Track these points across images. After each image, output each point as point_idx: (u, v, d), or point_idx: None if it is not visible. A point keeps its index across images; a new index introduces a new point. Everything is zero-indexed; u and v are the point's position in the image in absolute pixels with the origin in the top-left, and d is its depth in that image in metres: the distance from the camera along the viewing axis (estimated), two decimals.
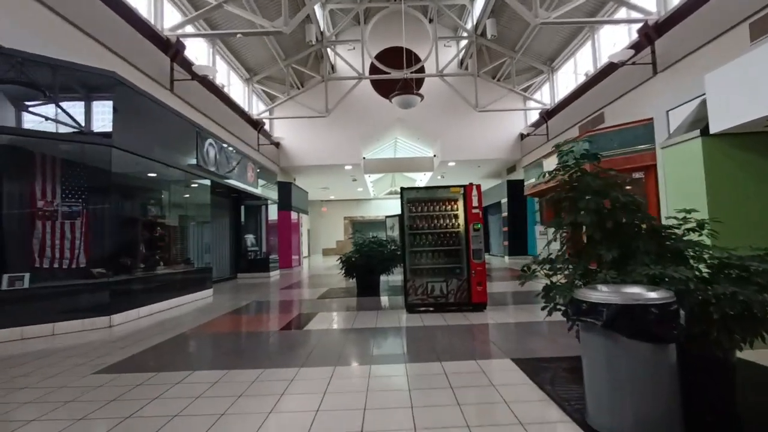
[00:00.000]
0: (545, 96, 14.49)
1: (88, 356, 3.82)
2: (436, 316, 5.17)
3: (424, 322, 4.86)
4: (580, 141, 9.38)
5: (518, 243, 16.30)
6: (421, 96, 10.86)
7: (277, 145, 16.24)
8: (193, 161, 7.74)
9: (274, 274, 12.66)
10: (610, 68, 9.87)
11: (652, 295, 1.92)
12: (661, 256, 2.38)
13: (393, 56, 15.22)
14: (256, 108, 14.72)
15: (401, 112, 16.54)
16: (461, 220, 5.55)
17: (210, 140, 8.40)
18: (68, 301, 5.06)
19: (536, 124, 14.23)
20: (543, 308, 2.77)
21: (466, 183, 5.63)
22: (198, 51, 10.46)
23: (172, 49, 8.26)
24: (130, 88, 5.81)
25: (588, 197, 2.62)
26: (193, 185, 8.23)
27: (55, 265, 5.59)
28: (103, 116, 5.28)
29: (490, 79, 14.27)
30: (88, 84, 5.39)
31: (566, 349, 3.53)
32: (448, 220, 5.63)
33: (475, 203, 5.46)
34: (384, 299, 6.92)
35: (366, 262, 7.41)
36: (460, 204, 5.57)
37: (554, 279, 2.94)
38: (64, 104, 5.12)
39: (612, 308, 1.91)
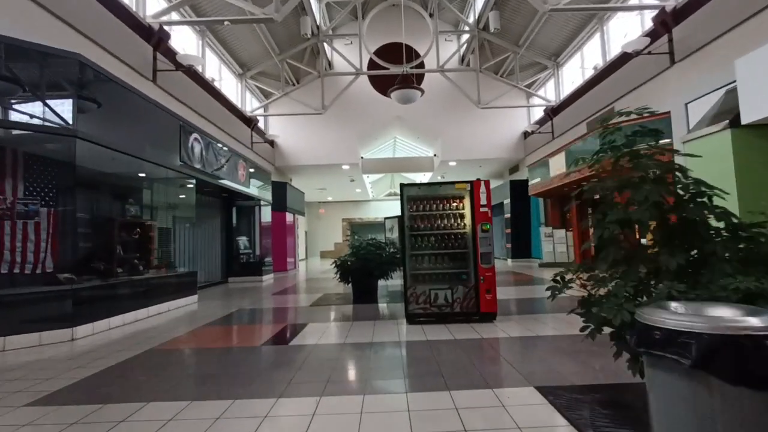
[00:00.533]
0: (550, 92, 13.95)
1: (32, 379, 3.24)
2: (440, 328, 4.59)
3: (427, 335, 4.28)
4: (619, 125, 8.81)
5: (522, 245, 15.73)
6: (422, 90, 10.30)
7: (272, 143, 15.67)
8: (176, 157, 7.16)
9: (268, 278, 12.06)
10: (621, 60, 9.32)
11: (759, 321, 1.35)
12: (747, 263, 1.81)
13: (392, 52, 14.69)
14: (250, 105, 14.16)
15: (400, 110, 15.99)
16: (468, 220, 4.97)
17: (195, 135, 7.82)
18: (24, 311, 4.47)
19: (541, 122, 13.68)
20: (583, 329, 2.19)
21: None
22: (187, 44, 9.89)
23: (155, 37, 7.70)
24: (98, 72, 5.23)
25: (646, 187, 2.03)
26: (177, 183, 7.65)
27: (15, 270, 5.02)
28: (65, 102, 4.70)
29: (492, 75, 13.73)
30: (47, 66, 4.81)
31: (601, 373, 2.95)
32: (453, 220, 5.05)
33: (483, 201, 4.89)
34: (382, 307, 6.33)
35: (363, 266, 6.82)
36: (467, 202, 5.00)
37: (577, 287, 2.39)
38: (19, 87, 4.55)
39: (704, 340, 1.33)
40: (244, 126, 12.90)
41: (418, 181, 24.15)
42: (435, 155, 17.05)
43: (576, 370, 3.06)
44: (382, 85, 15.85)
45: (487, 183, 4.96)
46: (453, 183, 5.04)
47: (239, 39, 12.16)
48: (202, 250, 10.76)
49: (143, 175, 6.73)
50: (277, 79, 14.10)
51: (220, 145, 9.11)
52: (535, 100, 14.59)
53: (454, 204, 5.06)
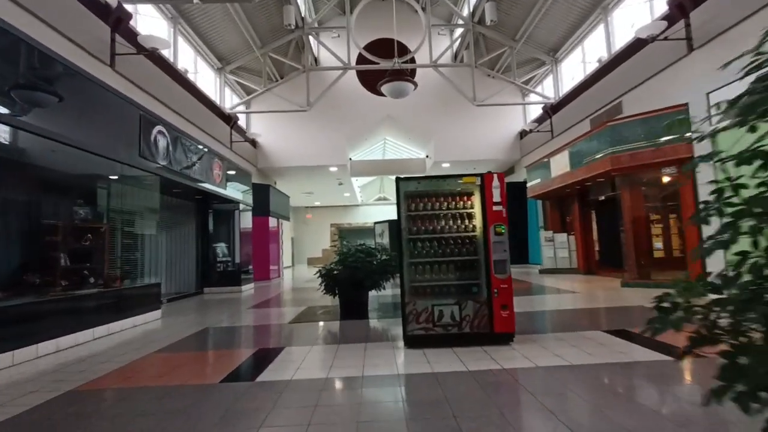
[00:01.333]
0: (548, 89, 13.29)
1: None
2: (447, 353, 3.72)
3: (433, 365, 3.40)
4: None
5: (519, 251, 14.97)
6: (415, 84, 9.51)
7: (254, 143, 14.71)
8: (135, 152, 6.19)
9: (248, 288, 11.06)
10: (631, 50, 8.65)
11: None
12: None
13: (380, 48, 13.92)
14: (231, 101, 13.21)
15: (391, 109, 15.21)
16: (478, 221, 4.13)
17: (160, 128, 6.86)
18: None
19: (539, 120, 13.00)
20: (717, 394, 1.33)
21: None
22: (157, 32, 8.93)
23: (113, 16, 6.76)
24: (22, 41, 4.28)
25: None
26: (138, 182, 6.66)
27: None
28: None
29: (488, 70, 13.04)
30: None
31: (682, 428, 2.11)
32: (459, 222, 4.20)
33: (496, 198, 4.06)
34: (374, 324, 5.44)
35: (351, 275, 5.93)
36: (476, 199, 4.15)
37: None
38: None
39: None
40: (222, 123, 11.94)
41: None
42: (427, 156, 16.27)
43: (645, 423, 2.20)
44: (372, 82, 15.06)
45: (501, 176, 4.13)
46: (459, 176, 4.18)
47: (217, 29, 11.25)
48: (173, 258, 9.74)
49: (95, 172, 5.76)
50: (259, 75, 13.19)
51: (190, 142, 8.15)
52: (533, 98, 13.94)
53: (461, 202, 4.21)
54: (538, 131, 12.93)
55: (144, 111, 6.46)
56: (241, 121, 13.73)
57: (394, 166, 18.30)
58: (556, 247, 12.08)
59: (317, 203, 26.48)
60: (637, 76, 8.58)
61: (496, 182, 4.08)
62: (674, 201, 8.25)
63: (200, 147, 8.54)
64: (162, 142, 6.89)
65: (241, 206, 11.40)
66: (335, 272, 6.10)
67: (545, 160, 11.66)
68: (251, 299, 8.94)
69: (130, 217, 6.63)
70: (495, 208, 4.04)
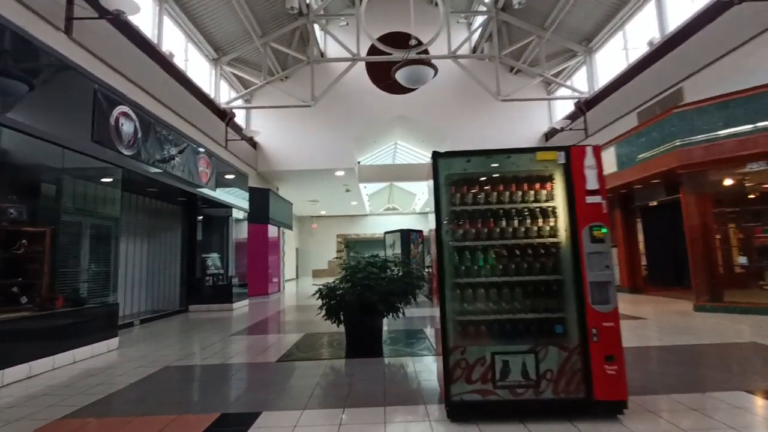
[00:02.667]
0: (579, 83, 11.87)
1: None
2: None
3: None
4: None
5: None
6: (435, 68, 8.14)
7: (254, 145, 13.43)
8: (85, 135, 4.85)
9: (241, 306, 9.62)
10: (697, 24, 7.23)
11: None
12: None
13: (393, 43, 12.67)
14: (228, 95, 11.96)
15: (403, 108, 13.90)
16: (561, 220, 2.68)
17: (124, 109, 5.53)
18: None
19: (572, 117, 11.55)
20: None
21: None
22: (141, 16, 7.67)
23: None
24: None
25: None
26: (91, 175, 5.31)
27: None
28: None
29: (513, 62, 11.68)
30: None
31: None
32: (532, 221, 2.75)
33: (591, 183, 2.60)
34: (392, 365, 3.96)
35: (360, 296, 4.48)
36: (558, 186, 2.70)
37: None
38: None
39: None
40: (216, 119, 10.67)
41: (418, 195, 21.87)
42: None
43: None
44: (383, 78, 13.81)
45: (597, 151, 2.67)
46: (532, 150, 2.73)
47: (211, 14, 10.04)
48: (153, 271, 8.36)
49: (33, 160, 4.42)
50: (259, 69, 11.95)
51: (169, 131, 6.81)
52: (563, 93, 12.52)
53: (535, 190, 2.76)
54: (570, 129, 11.48)
55: (101, 85, 5.13)
56: (240, 120, 12.48)
57: (405, 171, 16.92)
58: None
59: (323, 212, 25.16)
60: (707, 53, 7.14)
61: (590, 159, 2.62)
62: (762, 204, 6.71)
63: (182, 138, 7.20)
64: (127, 127, 5.54)
65: (236, 212, 10.04)
66: (340, 292, 4.66)
67: None
68: (242, 320, 7.49)
69: (83, 219, 5.25)
70: (590, 199, 2.58)
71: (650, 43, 8.66)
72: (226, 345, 5.24)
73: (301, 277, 25.56)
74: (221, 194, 9.05)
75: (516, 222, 2.72)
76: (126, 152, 5.51)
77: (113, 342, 5.12)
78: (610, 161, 8.86)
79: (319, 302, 4.74)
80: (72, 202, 4.96)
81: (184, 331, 6.40)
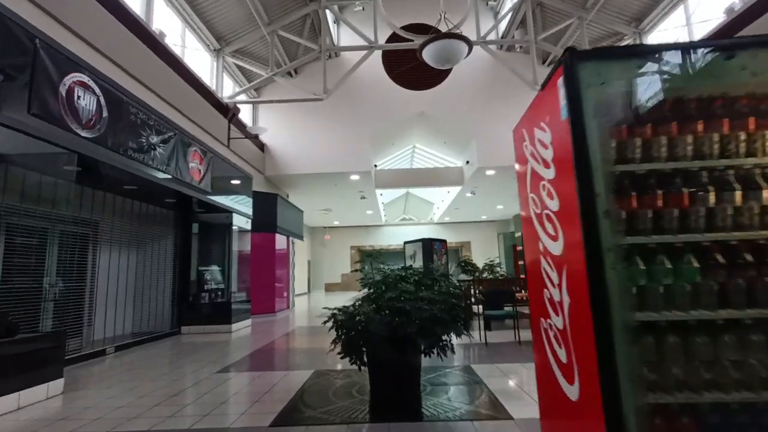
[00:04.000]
0: None
1: None
2: None
3: None
4: None
5: None
6: (469, 44, 6.81)
7: (262, 147, 12.27)
8: (19, 105, 3.62)
9: (241, 327, 8.29)
10: None
11: None
12: None
13: (415, 32, 11.47)
14: (232, 91, 10.84)
15: (423, 105, 12.61)
16: None
17: (81, 77, 4.30)
18: None
19: None
20: None
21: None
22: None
23: None
24: None
25: None
26: (35, 162, 4.08)
27: None
28: None
29: (550, 47, 10.30)
30: None
31: None
32: None
33: None
34: None
35: (391, 326, 3.07)
36: None
37: None
38: None
39: None
40: (217, 114, 9.50)
41: (437, 205, 20.44)
42: (467, 162, 13.48)
43: None
44: (402, 73, 12.58)
45: None
46: None
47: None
48: (139, 287, 7.09)
49: None
50: (265, 62, 10.83)
51: (149, 114, 5.59)
52: None
53: None
54: None
55: (46, 42, 3.92)
56: (246, 119, 11.34)
57: (425, 175, 15.56)
58: None
59: (336, 223, 23.90)
60: None
61: None
62: None
63: (167, 126, 5.97)
64: (87, 102, 4.31)
65: (239, 219, 8.77)
66: (359, 319, 3.26)
67: None
68: (239, 346, 6.13)
69: (23, 221, 4.00)
70: None
71: (729, 11, 7.21)
72: (208, 389, 3.86)
73: (313, 291, 24.21)
74: (220, 197, 7.80)
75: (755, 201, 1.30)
76: (84, 134, 4.26)
77: (56, 385, 3.79)
78: None
79: (331, 329, 3.37)
80: (24, 198, 3.72)
81: (163, 364, 5.05)
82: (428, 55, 6.98)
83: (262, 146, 12.32)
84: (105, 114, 4.55)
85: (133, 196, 6.54)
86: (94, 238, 6.25)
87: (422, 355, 3.37)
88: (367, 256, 4.00)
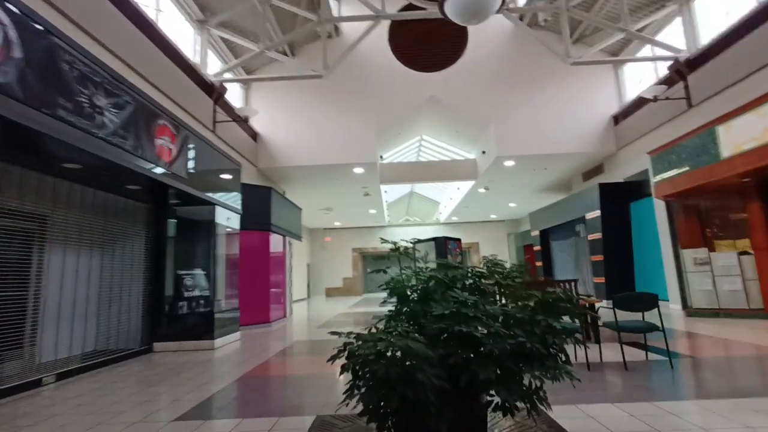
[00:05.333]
0: (670, 39, 9.07)
1: None
2: None
3: None
4: None
5: (622, 280, 10.47)
6: None
7: (255, 136, 10.97)
8: None
9: (227, 342, 6.93)
10: None
11: None
12: None
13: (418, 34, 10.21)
14: (218, 67, 9.51)
15: (435, 88, 11.32)
16: None
17: None
18: None
19: (668, 81, 8.75)
20: None
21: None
22: None
23: None
24: None
25: None
26: None
27: None
28: None
29: (584, 14, 8.98)
30: None
31: None
32: None
33: None
34: None
35: (445, 367, 1.73)
36: None
37: None
38: None
39: None
40: (200, 94, 8.20)
41: (444, 203, 19.16)
42: (484, 152, 12.16)
43: None
44: (412, 54, 11.28)
45: None
46: None
47: None
48: (102, 295, 5.71)
49: None
50: (257, 38, 9.51)
51: (98, 67, 4.25)
52: (648, 52, 9.72)
53: None
54: (667, 98, 8.64)
55: None
56: (236, 103, 10.02)
57: (435, 169, 14.23)
58: (716, 274, 7.59)
59: (337, 224, 22.57)
60: None
61: None
62: None
63: (123, 87, 4.62)
64: None
65: (226, 214, 7.44)
66: (393, 354, 1.90)
67: (686, 140, 7.35)
68: (219, 372, 4.78)
69: None
70: None
71: None
72: None
73: (312, 296, 22.83)
74: (199, 186, 6.45)
75: None
76: None
77: None
78: (748, 133, 6.06)
79: (341, 334, 2.05)
80: None
81: (107, 404, 3.68)
82: (452, 10, 5.66)
83: (254, 135, 11.01)
84: (16, 53, 3.22)
85: (90, 182, 5.19)
86: (40, 235, 4.92)
87: (486, 410, 2.02)
88: (394, 249, 2.68)
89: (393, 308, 2.49)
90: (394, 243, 2.76)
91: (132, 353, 6.02)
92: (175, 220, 6.99)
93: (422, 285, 2.39)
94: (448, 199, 19.90)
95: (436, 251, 11.21)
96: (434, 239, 11.34)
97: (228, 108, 9.25)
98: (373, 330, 2.05)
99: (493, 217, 22.71)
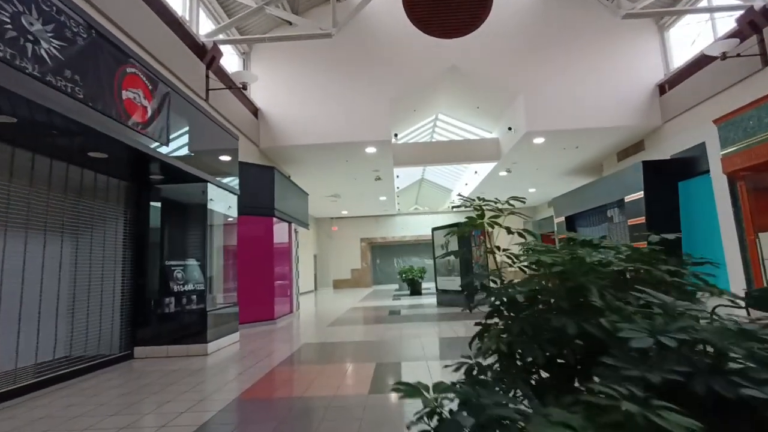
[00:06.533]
0: None
1: None
2: None
3: None
4: None
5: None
6: None
7: (255, 112, 9.82)
8: None
9: (224, 345, 5.85)
10: None
11: None
12: None
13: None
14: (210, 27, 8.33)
15: (455, 57, 10.08)
16: None
17: None
18: None
19: (740, 34, 7.45)
20: None
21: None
22: None
23: None
24: None
25: None
26: None
27: None
28: None
29: None
30: None
31: None
32: None
33: None
34: None
35: None
36: None
37: None
38: None
39: None
40: (191, 57, 7.03)
41: (475, 172, 17.82)
42: (510, 129, 10.93)
43: None
44: (429, 17, 10.02)
45: None
46: None
47: None
48: (69, 291, 4.62)
49: None
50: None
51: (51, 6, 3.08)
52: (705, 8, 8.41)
53: None
54: (738, 55, 7.35)
55: None
56: (230, 66, 8.85)
57: (455, 149, 13.00)
58: None
59: (344, 213, 21.45)
60: None
61: None
62: None
63: (68, 10, 3.45)
64: None
65: (218, 193, 6.32)
66: None
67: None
68: (209, 390, 3.68)
69: None
70: None
71: None
72: None
73: (320, 288, 21.83)
74: (185, 156, 5.31)
75: None
76: None
77: None
78: None
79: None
80: None
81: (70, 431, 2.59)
82: None
83: (255, 111, 9.85)
84: None
85: (38, 147, 4.06)
86: None
87: None
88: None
89: (485, 320, 1.36)
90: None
91: (107, 361, 4.96)
92: (161, 202, 5.88)
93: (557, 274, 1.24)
94: (463, 184, 18.69)
95: (459, 238, 10.05)
96: (458, 225, 10.17)
97: (224, 76, 8.08)
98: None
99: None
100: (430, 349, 5.10)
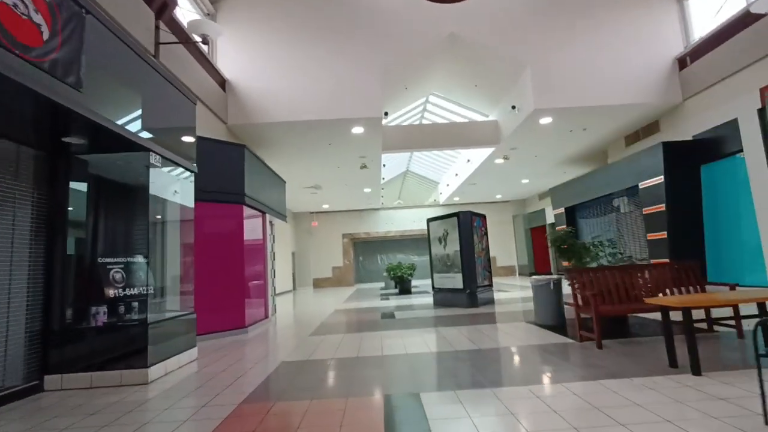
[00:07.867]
0: None
1: None
2: None
3: None
4: None
5: (690, 257, 8.30)
6: None
7: (223, 83, 8.34)
8: None
9: (173, 367, 4.40)
10: None
11: None
12: None
13: None
14: None
15: (455, 23, 8.86)
16: None
17: None
18: None
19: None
20: None
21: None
22: None
23: None
24: None
25: None
26: None
27: None
28: None
29: None
30: None
31: None
32: None
33: None
34: None
35: None
36: None
37: None
38: None
39: None
40: (139, 3, 5.52)
41: (455, 175, 16.78)
42: (514, 108, 9.77)
43: None
44: None
45: None
46: None
47: None
48: None
49: None
50: None
51: None
52: None
53: None
54: None
55: None
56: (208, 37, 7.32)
57: (451, 132, 11.78)
58: None
59: (325, 206, 20.00)
60: None
61: None
62: None
63: None
64: None
65: (165, 172, 4.86)
66: None
67: None
68: None
69: None
70: None
71: None
72: None
73: (299, 288, 20.34)
74: (108, 106, 3.85)
75: None
76: None
77: None
78: None
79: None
80: None
81: None
82: None
83: (223, 82, 8.37)
84: None
85: None
86: None
87: None
88: None
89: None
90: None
91: (4, 396, 3.48)
92: (90, 179, 4.40)
93: None
94: (453, 175, 17.55)
95: (460, 230, 8.84)
96: (457, 215, 8.96)
97: (180, 31, 6.57)
98: None
99: (498, 197, 20.51)
100: (452, 370, 3.84)
